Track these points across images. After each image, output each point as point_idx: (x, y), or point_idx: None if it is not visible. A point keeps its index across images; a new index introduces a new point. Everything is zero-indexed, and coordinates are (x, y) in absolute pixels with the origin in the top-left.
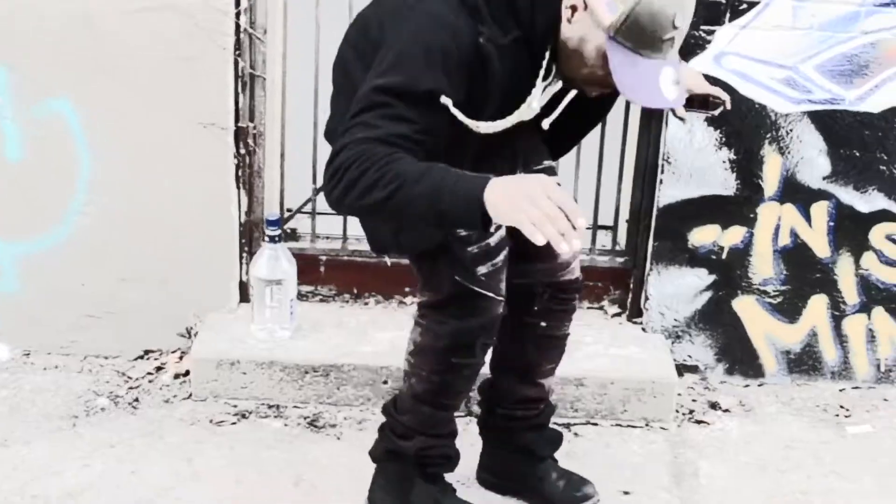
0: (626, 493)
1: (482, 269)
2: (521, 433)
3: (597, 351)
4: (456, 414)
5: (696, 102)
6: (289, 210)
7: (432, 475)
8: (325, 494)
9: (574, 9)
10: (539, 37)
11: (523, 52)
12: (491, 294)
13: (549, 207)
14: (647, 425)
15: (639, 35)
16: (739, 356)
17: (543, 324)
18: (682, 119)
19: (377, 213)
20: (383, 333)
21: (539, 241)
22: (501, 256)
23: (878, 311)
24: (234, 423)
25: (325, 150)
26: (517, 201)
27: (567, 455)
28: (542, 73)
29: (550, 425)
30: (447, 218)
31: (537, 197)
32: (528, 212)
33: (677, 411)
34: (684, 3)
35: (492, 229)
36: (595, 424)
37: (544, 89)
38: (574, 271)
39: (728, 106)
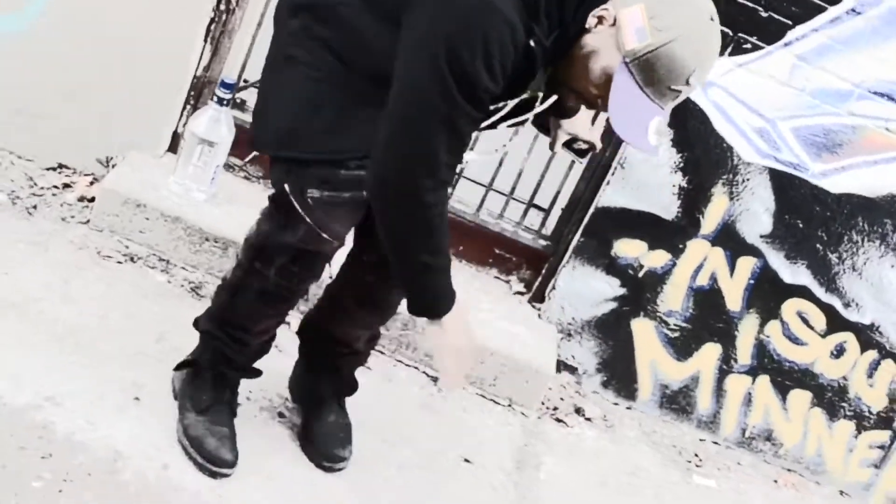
0: (466, 460)
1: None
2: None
3: (488, 319)
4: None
5: (571, 143)
6: (245, 81)
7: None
8: (179, 358)
9: (601, 20)
10: (570, 39)
11: (550, 52)
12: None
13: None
14: (509, 405)
15: (652, 74)
16: (619, 374)
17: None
18: (553, 151)
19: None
20: None
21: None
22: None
23: (763, 380)
24: (120, 263)
25: None
26: (453, 349)
27: (422, 406)
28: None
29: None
30: (411, 293)
31: (465, 362)
32: (455, 364)
33: (543, 403)
34: (706, 64)
35: None
36: (462, 389)
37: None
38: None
39: (597, 148)
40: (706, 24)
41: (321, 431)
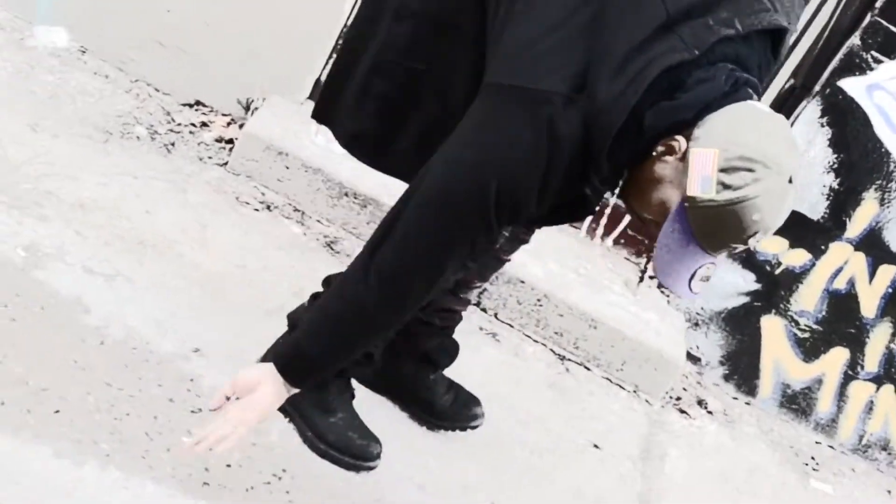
0: (595, 446)
1: None
2: (427, 339)
3: (620, 301)
4: None
5: None
6: None
7: None
8: None
9: (670, 149)
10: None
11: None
12: None
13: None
14: (634, 392)
15: (709, 228)
16: (742, 368)
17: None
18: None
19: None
20: None
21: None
22: None
23: (888, 389)
24: (256, 210)
25: None
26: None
27: (550, 385)
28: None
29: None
30: (300, 349)
31: (242, 425)
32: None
33: (666, 392)
34: (773, 226)
35: None
36: (588, 369)
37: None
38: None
39: None
40: (784, 187)
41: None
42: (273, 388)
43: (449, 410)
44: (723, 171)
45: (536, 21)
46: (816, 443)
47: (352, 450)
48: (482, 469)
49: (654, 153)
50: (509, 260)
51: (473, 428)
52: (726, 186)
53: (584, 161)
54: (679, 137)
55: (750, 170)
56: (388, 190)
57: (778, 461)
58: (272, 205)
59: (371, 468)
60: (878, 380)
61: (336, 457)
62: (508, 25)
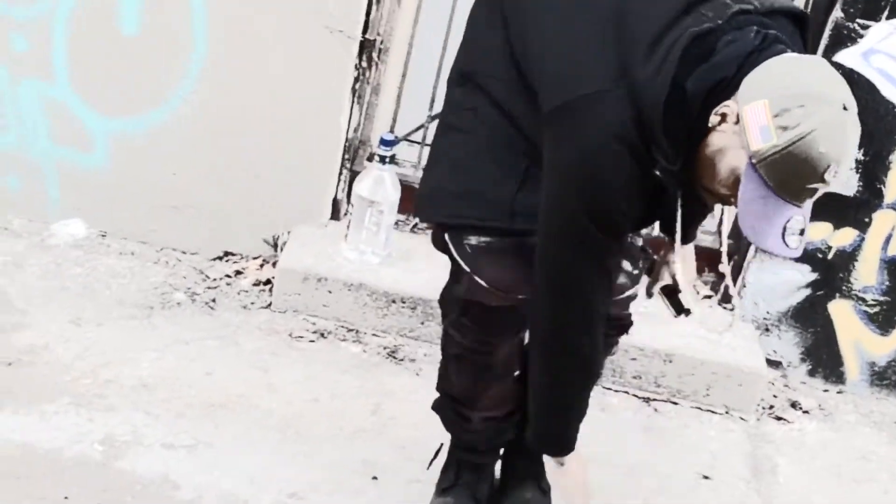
0: (705, 477)
1: None
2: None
3: (688, 330)
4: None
5: (668, 291)
6: (396, 137)
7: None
8: (403, 427)
9: (724, 117)
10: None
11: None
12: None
13: None
14: (727, 412)
15: (783, 175)
16: (824, 359)
17: None
18: (648, 295)
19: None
20: None
21: None
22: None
23: None
24: (311, 341)
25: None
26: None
27: (644, 429)
28: (679, 202)
29: None
30: (535, 427)
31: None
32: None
33: (758, 405)
34: (843, 157)
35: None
36: (675, 403)
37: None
38: (627, 306)
39: (694, 313)
40: (839, 115)
41: None
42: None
43: None
44: (776, 116)
45: (567, 42)
46: None
47: None
48: None
49: (710, 126)
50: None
51: None
52: (784, 128)
53: (647, 144)
54: (729, 103)
55: (801, 105)
56: (433, 285)
57: (886, 441)
58: (325, 332)
59: None
60: None
61: None
62: (545, 56)
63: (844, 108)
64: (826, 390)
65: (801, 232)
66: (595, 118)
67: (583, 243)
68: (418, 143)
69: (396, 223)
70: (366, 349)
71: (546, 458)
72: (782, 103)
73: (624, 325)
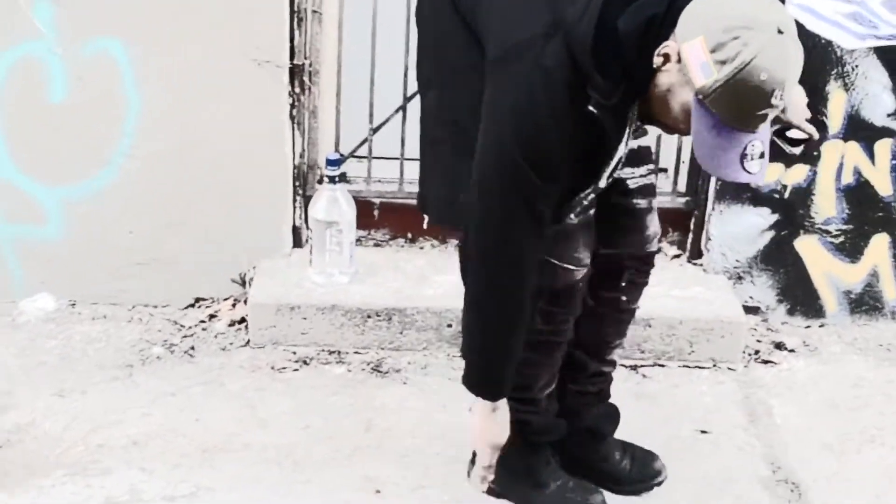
0: (703, 431)
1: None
2: (588, 410)
3: (661, 292)
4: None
5: (783, 132)
6: (341, 154)
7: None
8: (399, 438)
9: (666, 58)
10: (643, 81)
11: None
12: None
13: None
14: (714, 366)
15: (730, 107)
16: (800, 297)
17: (624, 298)
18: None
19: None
20: (443, 276)
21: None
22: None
23: None
24: (295, 370)
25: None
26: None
27: (636, 396)
28: (627, 132)
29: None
30: (468, 369)
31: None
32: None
33: (743, 352)
34: (786, 80)
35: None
36: (662, 366)
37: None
38: (656, 243)
39: (815, 137)
40: (775, 39)
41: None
42: (481, 410)
43: (631, 475)
44: (713, 51)
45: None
46: None
47: None
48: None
49: (656, 67)
50: (637, 307)
51: (659, 484)
52: (723, 63)
53: (582, 83)
54: (669, 43)
55: (736, 37)
56: (405, 294)
57: (874, 365)
58: (307, 358)
59: None
60: None
61: None
62: (490, 16)
63: (780, 32)
64: (808, 326)
65: (762, 155)
66: (530, 61)
67: (516, 186)
68: (365, 157)
69: (358, 240)
70: (350, 368)
71: (477, 403)
72: (717, 38)
73: (650, 262)
